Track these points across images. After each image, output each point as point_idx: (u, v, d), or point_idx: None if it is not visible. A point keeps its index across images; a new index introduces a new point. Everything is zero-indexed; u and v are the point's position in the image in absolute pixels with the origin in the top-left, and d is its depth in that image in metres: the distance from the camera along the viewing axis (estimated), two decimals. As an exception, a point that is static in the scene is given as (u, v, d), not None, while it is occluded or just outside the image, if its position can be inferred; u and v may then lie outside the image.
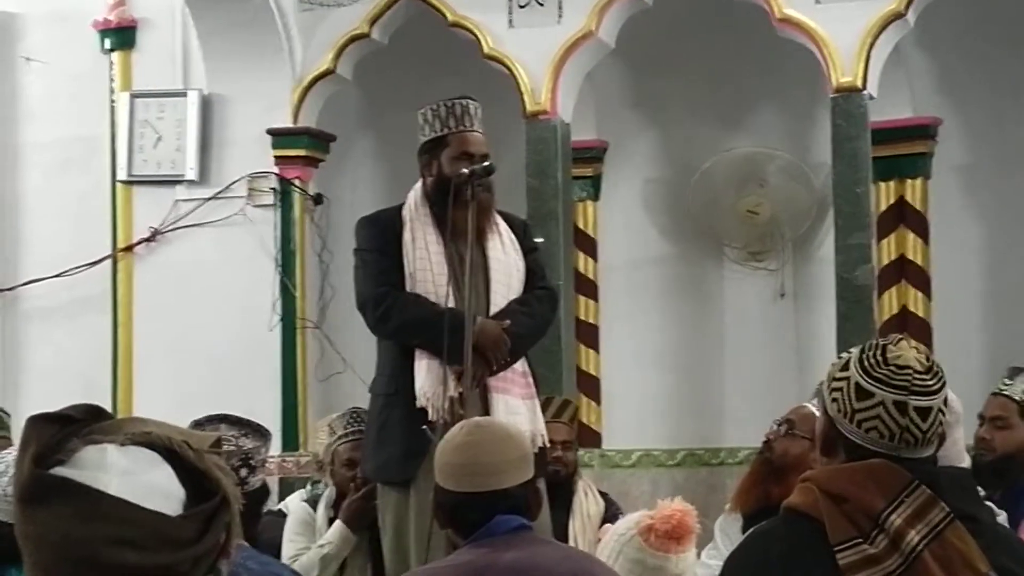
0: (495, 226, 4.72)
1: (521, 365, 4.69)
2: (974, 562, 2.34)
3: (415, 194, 4.74)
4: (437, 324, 4.46)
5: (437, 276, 4.59)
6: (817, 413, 4.18)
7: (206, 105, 7.61)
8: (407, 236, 4.64)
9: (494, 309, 4.62)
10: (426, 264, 4.60)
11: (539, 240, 5.28)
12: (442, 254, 4.60)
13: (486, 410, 4.51)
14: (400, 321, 4.59)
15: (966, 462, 3.29)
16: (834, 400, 2.47)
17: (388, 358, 4.69)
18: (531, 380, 4.72)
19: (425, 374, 4.54)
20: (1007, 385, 4.56)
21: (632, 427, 7.88)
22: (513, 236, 4.77)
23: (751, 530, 2.71)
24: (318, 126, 7.65)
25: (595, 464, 7.64)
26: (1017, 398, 4.49)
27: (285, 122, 7.52)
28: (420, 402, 4.50)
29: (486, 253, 4.66)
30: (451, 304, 4.55)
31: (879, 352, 2.46)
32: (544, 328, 4.90)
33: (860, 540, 2.35)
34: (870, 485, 2.38)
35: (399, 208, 4.75)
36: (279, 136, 7.51)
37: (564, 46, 7.16)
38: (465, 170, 4.58)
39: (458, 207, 4.54)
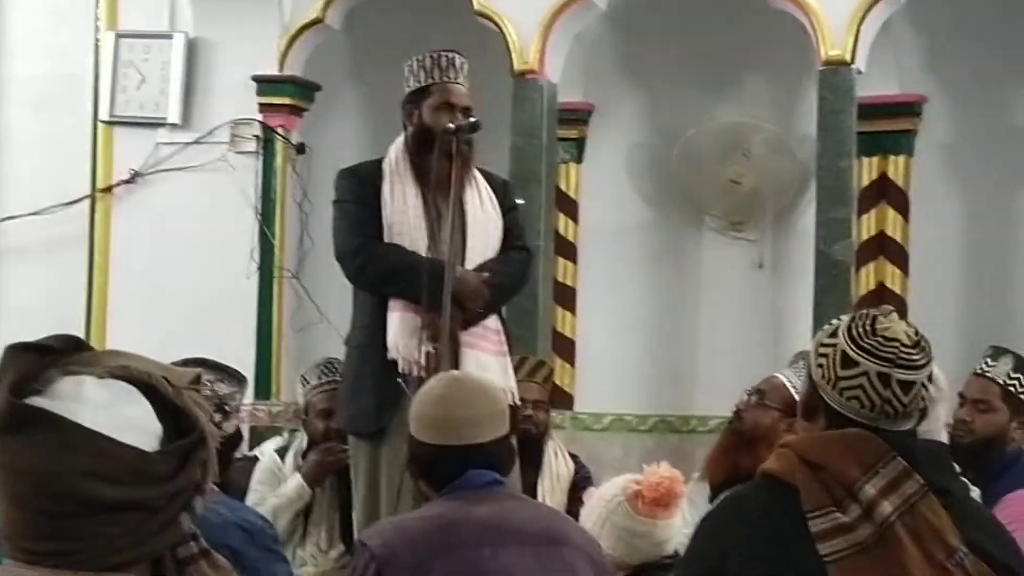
0: (474, 181, 4.71)
1: (495, 322, 4.69)
2: (945, 536, 2.35)
3: (396, 147, 4.74)
4: (416, 272, 4.47)
5: (414, 229, 4.58)
6: (788, 384, 4.20)
7: (192, 49, 7.55)
8: (386, 188, 4.63)
9: (469, 264, 4.61)
10: (404, 216, 4.60)
11: (520, 201, 5.26)
12: (420, 207, 4.60)
13: (455, 365, 4.49)
14: (379, 270, 4.59)
15: (942, 439, 3.27)
16: (819, 366, 2.47)
17: (363, 310, 4.69)
18: (503, 338, 4.71)
19: (398, 326, 4.54)
20: (990, 367, 4.47)
21: (605, 391, 7.89)
22: (493, 194, 4.76)
23: (728, 493, 2.71)
24: (304, 75, 7.60)
25: (566, 426, 7.64)
26: (1000, 381, 4.42)
27: (271, 69, 7.46)
28: (391, 354, 4.51)
29: (464, 208, 4.65)
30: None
31: (869, 323, 2.46)
32: (519, 287, 4.91)
33: (833, 508, 2.35)
34: (847, 454, 2.39)
35: (380, 161, 4.74)
36: (264, 83, 7.46)
37: (556, 6, 7.12)
38: (451, 124, 4.57)
39: (440, 160, 4.53)
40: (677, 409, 7.88)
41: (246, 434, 7.01)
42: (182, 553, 1.62)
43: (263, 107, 7.48)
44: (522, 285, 4.95)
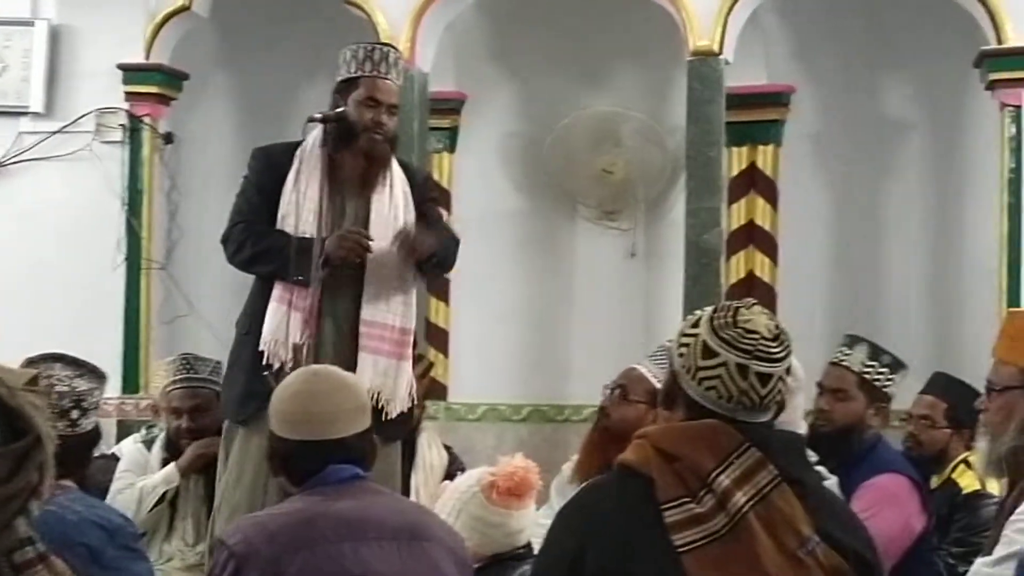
0: (389, 176, 4.64)
1: (401, 321, 4.62)
2: (797, 525, 2.38)
3: (316, 132, 4.63)
4: (287, 252, 4.42)
5: (305, 223, 4.50)
6: (649, 375, 4.24)
7: (55, 36, 7.40)
8: (291, 175, 4.57)
9: (371, 263, 4.55)
10: (299, 209, 4.51)
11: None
12: (316, 200, 4.50)
13: (352, 365, 4.44)
14: (253, 251, 4.56)
15: (802, 429, 3.34)
16: (681, 355, 2.49)
17: (252, 298, 4.67)
18: (410, 340, 4.64)
19: (270, 317, 4.51)
20: (846, 355, 4.56)
21: (479, 381, 7.89)
22: (408, 189, 4.70)
23: (585, 484, 2.72)
24: (171, 63, 7.48)
25: (440, 416, 7.64)
26: (856, 369, 4.50)
27: (137, 57, 7.34)
28: (261, 346, 4.48)
29: (370, 205, 4.60)
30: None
31: (730, 314, 2.48)
32: (454, 246, 4.74)
33: (688, 499, 2.37)
34: (702, 445, 2.41)
35: (297, 144, 4.65)
36: (130, 72, 7.33)
37: (426, -6, 7.10)
38: (318, 115, 4.54)
39: (350, 155, 4.51)
40: (551, 398, 7.90)
41: (114, 429, 6.94)
42: (18, 559, 1.57)
43: (129, 96, 7.35)
44: (454, 248, 4.78)
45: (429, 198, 4.83)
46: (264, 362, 4.45)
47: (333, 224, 4.53)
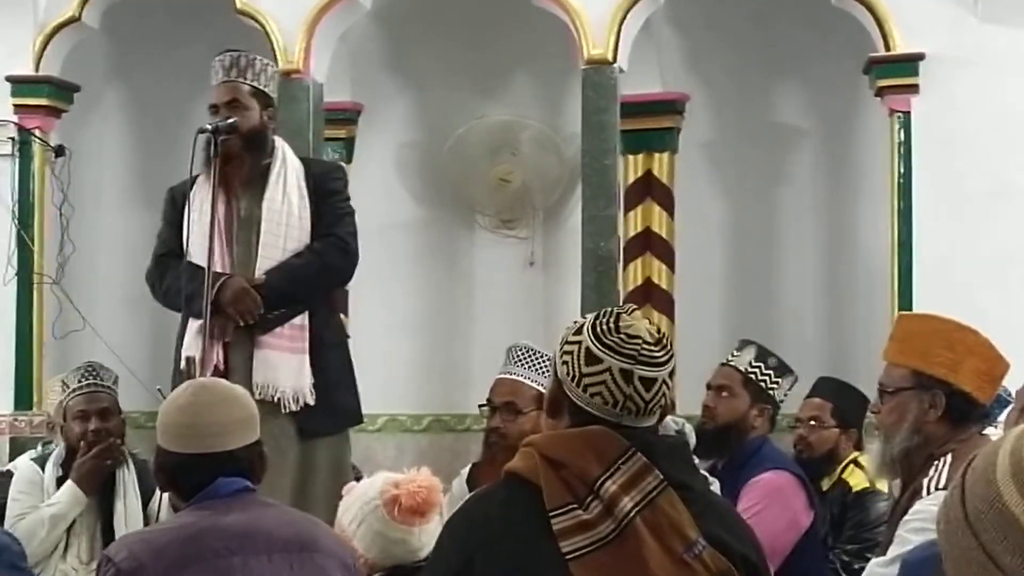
0: (279, 174, 4.65)
1: (301, 319, 4.62)
2: (684, 529, 2.39)
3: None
4: (180, 292, 4.52)
5: (201, 237, 4.53)
6: (526, 381, 4.24)
7: (-61, 48, 7.28)
8: (190, 197, 4.59)
9: (262, 261, 4.58)
10: (194, 227, 4.55)
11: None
12: (209, 215, 4.53)
13: (250, 361, 4.54)
14: (162, 289, 4.71)
15: (669, 430, 3.39)
16: (564, 363, 2.49)
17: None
18: (306, 334, 4.63)
19: (186, 337, 4.58)
20: (735, 356, 4.69)
21: (379, 392, 7.79)
22: (304, 183, 4.69)
23: (473, 493, 2.72)
24: (62, 75, 7.39)
25: (340, 428, 7.59)
26: (742, 368, 4.62)
27: (26, 70, 7.24)
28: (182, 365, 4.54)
29: (262, 204, 4.62)
30: (220, 262, 4.54)
31: (612, 320, 2.49)
32: (320, 275, 4.69)
33: (575, 506, 2.37)
34: (588, 452, 2.41)
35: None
36: (19, 84, 7.23)
37: (319, 5, 7.07)
38: (208, 126, 4.56)
39: (224, 163, 4.53)
40: (451, 408, 7.90)
41: (7, 446, 6.84)
42: None
43: (18, 108, 7.25)
44: (328, 273, 4.74)
45: (329, 191, 4.76)
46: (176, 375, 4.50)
47: (230, 233, 4.57)
